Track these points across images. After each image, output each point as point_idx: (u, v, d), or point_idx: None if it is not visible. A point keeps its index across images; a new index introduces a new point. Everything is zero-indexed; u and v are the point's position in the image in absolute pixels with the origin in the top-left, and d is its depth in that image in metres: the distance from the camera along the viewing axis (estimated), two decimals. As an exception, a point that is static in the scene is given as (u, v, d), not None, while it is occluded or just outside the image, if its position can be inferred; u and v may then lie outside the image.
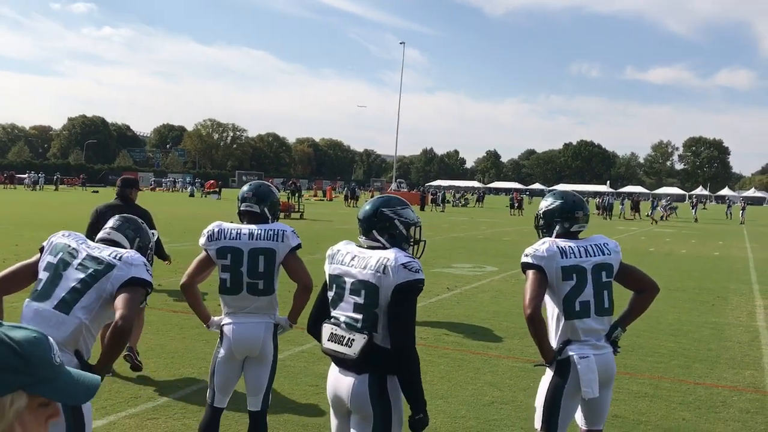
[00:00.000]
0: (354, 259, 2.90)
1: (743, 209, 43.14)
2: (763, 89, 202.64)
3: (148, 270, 3.05)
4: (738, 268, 16.38)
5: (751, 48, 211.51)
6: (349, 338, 2.82)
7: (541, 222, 3.58)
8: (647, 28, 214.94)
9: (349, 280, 2.87)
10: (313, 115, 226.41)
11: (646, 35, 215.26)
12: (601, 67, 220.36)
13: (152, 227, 7.53)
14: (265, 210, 3.95)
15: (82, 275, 2.94)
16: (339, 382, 2.89)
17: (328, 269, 2.99)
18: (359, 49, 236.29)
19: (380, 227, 2.96)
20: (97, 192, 56.11)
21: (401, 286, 2.75)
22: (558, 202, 3.53)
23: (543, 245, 3.33)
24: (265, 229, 3.80)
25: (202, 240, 3.83)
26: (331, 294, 2.97)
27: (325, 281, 3.04)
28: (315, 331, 3.06)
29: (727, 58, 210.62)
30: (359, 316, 2.82)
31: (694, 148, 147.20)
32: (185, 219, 24.85)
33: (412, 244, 3.07)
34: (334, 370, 2.95)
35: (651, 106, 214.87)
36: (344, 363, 2.86)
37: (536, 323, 3.21)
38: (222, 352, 3.78)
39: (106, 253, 3.03)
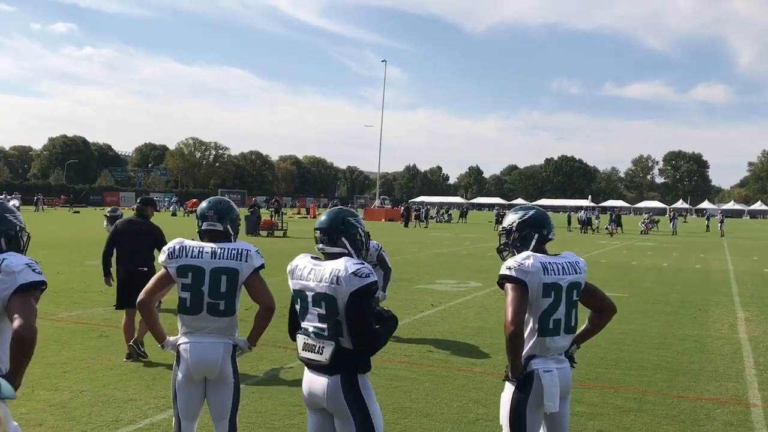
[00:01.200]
0: (311, 272, 3.14)
1: (721, 222, 43.64)
2: (739, 104, 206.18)
3: (33, 269, 2.89)
4: (719, 280, 16.51)
5: (727, 63, 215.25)
6: (319, 346, 3.10)
7: (516, 235, 3.46)
8: (624, 44, 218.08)
9: (309, 294, 3.12)
10: (295, 132, 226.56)
11: (623, 51, 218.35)
12: (580, 83, 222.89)
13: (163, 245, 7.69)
14: (228, 227, 3.82)
15: None
16: (313, 383, 3.13)
17: (291, 284, 3.24)
18: (339, 66, 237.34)
19: (348, 235, 3.25)
20: (78, 212, 55.61)
21: (355, 292, 3.00)
22: (531, 212, 3.48)
23: (527, 259, 3.25)
24: (228, 248, 3.67)
25: (162, 257, 3.72)
26: (297, 307, 3.22)
27: (292, 295, 3.26)
28: (295, 338, 3.29)
29: (703, 73, 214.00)
30: (324, 326, 3.08)
31: (673, 162, 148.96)
32: (167, 238, 24.66)
33: (365, 251, 3.36)
34: (308, 372, 3.18)
35: (630, 121, 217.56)
36: (317, 367, 3.12)
37: (518, 339, 3.19)
38: (180, 374, 3.64)
39: None
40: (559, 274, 3.27)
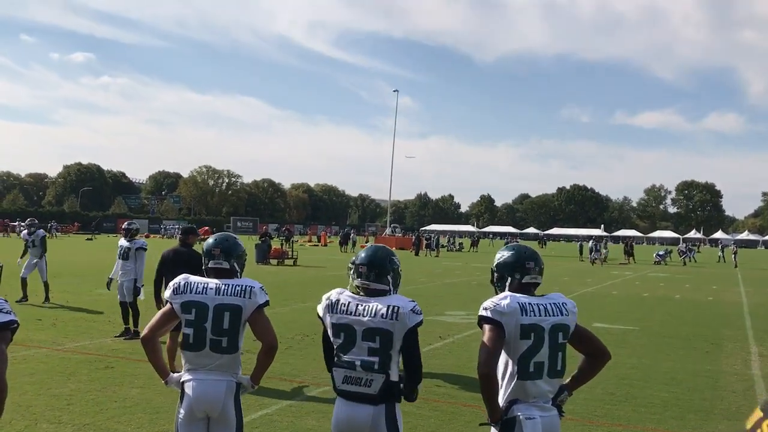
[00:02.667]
0: (358, 307, 3.29)
1: (735, 253, 43.18)
2: (752, 133, 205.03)
3: (0, 308, 2.78)
4: (732, 313, 16.30)
5: (738, 93, 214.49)
6: (367, 379, 3.22)
7: (495, 275, 3.43)
8: (634, 73, 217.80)
9: (359, 328, 3.25)
10: (307, 160, 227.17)
11: (634, 81, 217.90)
12: (591, 112, 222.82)
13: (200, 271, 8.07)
14: (234, 264, 3.81)
15: None
16: (356, 413, 3.25)
17: (331, 319, 3.34)
18: (351, 95, 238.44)
19: (393, 272, 3.46)
20: (90, 240, 55.95)
21: (412, 329, 3.24)
22: (509, 253, 3.41)
23: (504, 300, 3.18)
24: (232, 285, 3.65)
25: (168, 293, 3.71)
26: (338, 341, 3.32)
27: (325, 328, 3.40)
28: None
29: (715, 102, 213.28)
30: (375, 359, 3.23)
31: (686, 191, 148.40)
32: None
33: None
34: (347, 404, 3.29)
35: (642, 150, 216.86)
36: (361, 398, 3.25)
37: (490, 382, 3.10)
38: (182, 411, 3.59)
39: None
40: (539, 315, 3.17)
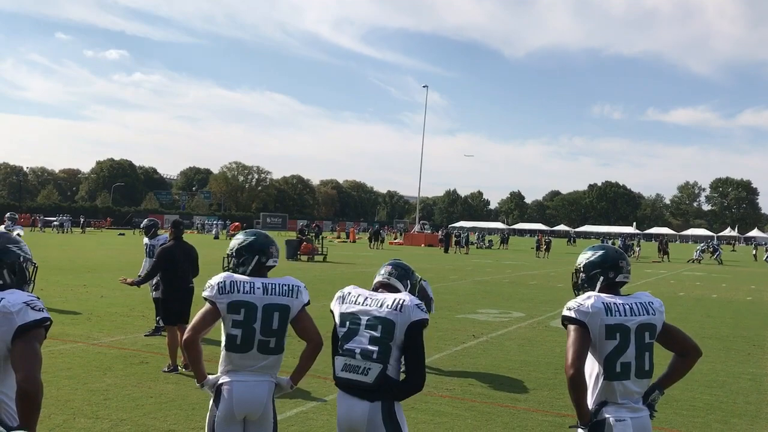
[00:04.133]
0: (367, 299, 3.39)
1: (767, 250, 42.24)
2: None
3: (33, 306, 2.72)
4: (772, 313, 15.90)
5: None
6: (365, 367, 3.25)
7: (582, 276, 3.37)
8: (667, 69, 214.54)
9: (365, 317, 3.33)
10: (335, 157, 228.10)
11: (666, 76, 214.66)
12: (623, 108, 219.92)
13: (196, 267, 8.65)
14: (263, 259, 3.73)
15: None
16: (353, 409, 3.27)
17: (340, 308, 3.45)
18: (379, 91, 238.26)
19: (411, 279, 3.69)
20: (123, 235, 56.72)
21: (417, 323, 3.28)
22: (600, 252, 3.36)
23: (588, 300, 3.14)
24: (279, 284, 3.58)
25: (211, 292, 3.53)
26: (343, 330, 3.39)
27: (336, 320, 3.48)
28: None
29: (750, 98, 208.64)
30: (375, 348, 3.25)
31: (720, 188, 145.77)
32: (209, 263, 24.92)
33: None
34: (346, 398, 3.32)
35: (675, 147, 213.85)
36: (358, 391, 3.26)
37: (579, 385, 3.05)
38: (221, 413, 3.47)
39: None
40: (625, 315, 3.12)
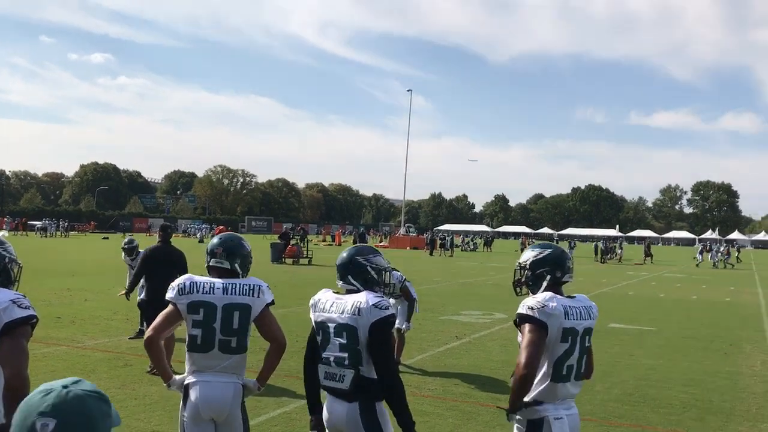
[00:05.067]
0: (333, 305, 3.30)
1: (738, 251, 42.32)
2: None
3: (19, 304, 2.77)
4: (750, 314, 16.16)
5: (754, 92, 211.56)
6: (340, 374, 3.23)
7: (528, 274, 3.36)
8: (649, 73, 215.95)
9: (332, 325, 3.26)
10: (321, 160, 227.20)
11: (648, 80, 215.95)
12: (606, 112, 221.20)
13: (184, 269, 8.28)
14: (236, 266, 3.70)
15: None
16: (334, 410, 3.26)
17: (313, 317, 3.37)
18: (365, 95, 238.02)
19: (355, 273, 3.38)
20: (107, 238, 56.36)
21: (376, 323, 3.16)
22: (548, 251, 3.36)
23: (551, 301, 3.14)
24: (239, 284, 3.60)
25: (171, 293, 3.58)
26: (319, 338, 3.34)
27: (313, 327, 3.39)
28: (309, 371, 3.41)
29: (731, 102, 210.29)
30: (345, 355, 3.22)
31: (702, 192, 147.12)
32: (193, 267, 24.89)
33: (383, 287, 3.46)
34: (329, 399, 3.32)
35: (657, 150, 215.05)
36: (338, 394, 3.26)
37: (528, 385, 3.11)
38: (188, 413, 3.50)
39: None
40: (577, 319, 3.18)
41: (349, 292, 3.35)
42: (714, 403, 7.50)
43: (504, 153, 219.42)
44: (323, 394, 3.36)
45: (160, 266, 8.39)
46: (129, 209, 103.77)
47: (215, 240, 3.81)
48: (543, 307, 3.12)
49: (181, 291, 3.57)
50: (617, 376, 8.46)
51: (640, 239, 74.75)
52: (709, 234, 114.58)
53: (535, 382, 3.17)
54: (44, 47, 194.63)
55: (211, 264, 3.74)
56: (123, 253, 11.22)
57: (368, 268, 3.39)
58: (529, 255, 3.41)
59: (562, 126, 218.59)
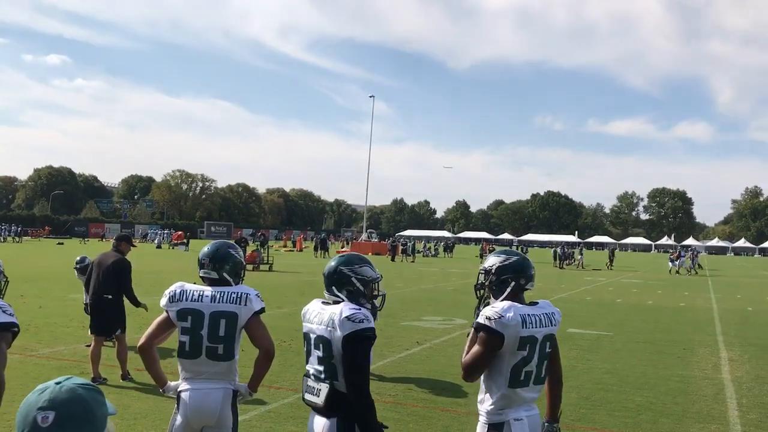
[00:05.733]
0: (316, 316, 3.23)
1: (693, 258, 42.62)
2: (721, 141, 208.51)
3: (3, 310, 2.86)
4: (703, 319, 16.59)
5: (707, 102, 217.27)
6: (317, 388, 3.16)
7: (493, 278, 3.37)
8: (606, 82, 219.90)
9: (312, 336, 3.21)
10: (282, 165, 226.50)
11: (605, 89, 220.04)
12: (564, 119, 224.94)
13: (128, 279, 8.33)
14: (225, 275, 3.79)
15: None
16: (315, 425, 3.18)
17: (304, 327, 3.31)
18: (325, 100, 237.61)
19: (339, 284, 3.30)
20: (62, 244, 55.17)
21: (347, 337, 3.06)
22: (514, 258, 3.39)
23: (508, 312, 3.15)
24: (228, 292, 3.68)
25: (164, 301, 3.70)
26: (304, 349, 3.30)
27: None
28: None
29: (685, 111, 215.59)
30: (321, 368, 3.16)
31: (658, 198, 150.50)
32: (153, 272, 24.56)
33: (370, 299, 3.41)
34: (311, 416, 3.24)
35: (614, 158, 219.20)
36: (317, 409, 3.18)
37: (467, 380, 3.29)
38: (178, 419, 3.59)
39: None
40: (536, 327, 3.20)
41: (335, 302, 3.27)
42: (667, 405, 7.68)
43: (465, 159, 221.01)
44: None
45: (91, 275, 8.42)
46: (85, 214, 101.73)
47: (204, 250, 3.90)
48: (500, 317, 3.14)
49: (172, 299, 3.67)
50: (574, 380, 8.61)
51: (599, 245, 76.16)
52: (665, 240, 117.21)
53: (494, 387, 3.22)
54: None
55: (201, 275, 3.84)
56: (76, 272, 10.91)
57: (353, 279, 3.31)
58: (494, 260, 3.42)
59: (521, 133, 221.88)
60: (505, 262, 3.38)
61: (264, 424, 6.38)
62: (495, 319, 3.14)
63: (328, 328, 3.12)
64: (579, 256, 45.80)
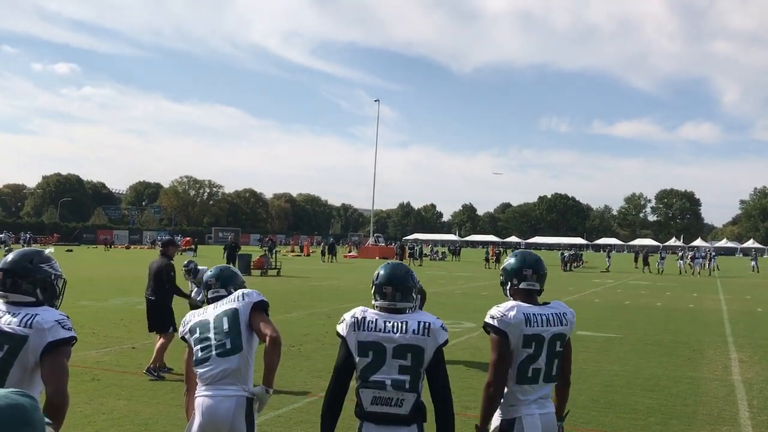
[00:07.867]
0: (387, 324, 3.14)
1: (696, 259, 42.33)
2: (728, 142, 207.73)
3: (63, 325, 2.92)
4: (712, 320, 16.53)
5: (712, 102, 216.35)
6: (398, 398, 3.05)
7: (501, 278, 3.60)
8: (610, 83, 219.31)
9: (390, 345, 3.09)
10: (289, 170, 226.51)
11: (610, 91, 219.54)
12: (569, 121, 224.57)
13: (170, 280, 9.18)
14: (232, 290, 4.04)
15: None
16: None
17: (358, 337, 3.13)
18: (331, 105, 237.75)
19: (413, 292, 3.29)
20: (71, 251, 55.41)
21: (442, 345, 3.14)
22: (512, 260, 3.57)
23: (511, 311, 3.30)
24: (226, 299, 3.95)
25: (180, 329, 3.97)
26: (366, 360, 3.11)
27: (339, 361, 3.19)
28: (332, 411, 3.17)
29: (690, 112, 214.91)
30: (406, 377, 3.07)
31: (665, 200, 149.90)
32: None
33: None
34: (375, 427, 3.09)
35: (621, 159, 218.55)
36: (393, 420, 3.08)
37: (496, 395, 3.25)
38: (194, 427, 3.62)
39: (15, 322, 2.88)
40: (542, 326, 3.31)
41: (392, 312, 3.19)
42: (677, 407, 7.67)
43: (471, 162, 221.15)
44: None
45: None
46: (93, 221, 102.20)
47: (209, 273, 4.16)
48: (502, 316, 3.29)
49: (184, 324, 3.94)
50: (583, 383, 8.60)
51: (605, 247, 76.22)
52: (673, 241, 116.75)
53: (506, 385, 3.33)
54: (5, 57, 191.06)
55: (210, 296, 4.06)
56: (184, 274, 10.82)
57: (420, 287, 3.45)
58: (505, 262, 3.65)
59: (527, 135, 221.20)
60: (505, 264, 3.60)
61: (274, 428, 6.40)
62: (498, 318, 3.30)
63: (422, 336, 3.09)
64: (607, 260, 44.88)
